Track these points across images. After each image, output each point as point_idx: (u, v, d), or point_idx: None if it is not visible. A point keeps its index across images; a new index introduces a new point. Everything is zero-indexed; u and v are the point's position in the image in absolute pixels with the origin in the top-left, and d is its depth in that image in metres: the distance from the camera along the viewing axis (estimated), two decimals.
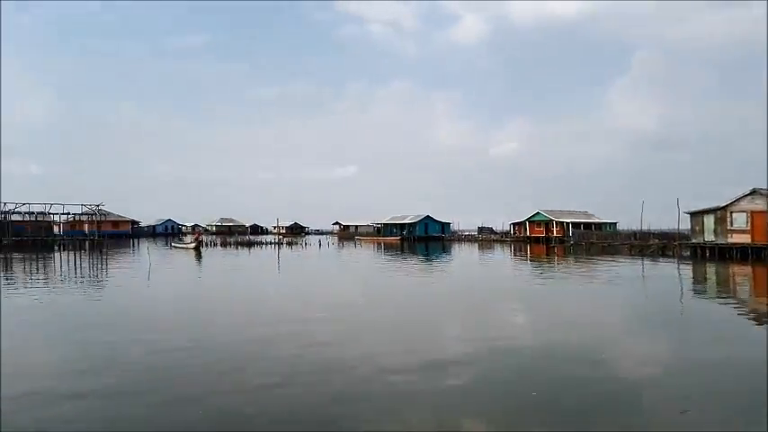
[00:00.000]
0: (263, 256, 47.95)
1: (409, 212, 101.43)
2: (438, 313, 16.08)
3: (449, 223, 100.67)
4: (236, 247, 64.40)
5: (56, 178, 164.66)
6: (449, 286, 24.69)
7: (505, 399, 7.75)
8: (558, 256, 47.16)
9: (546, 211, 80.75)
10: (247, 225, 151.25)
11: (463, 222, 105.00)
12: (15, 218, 68.67)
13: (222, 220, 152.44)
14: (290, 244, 73.26)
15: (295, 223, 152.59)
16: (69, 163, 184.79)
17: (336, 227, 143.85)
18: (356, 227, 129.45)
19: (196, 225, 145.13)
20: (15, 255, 44.93)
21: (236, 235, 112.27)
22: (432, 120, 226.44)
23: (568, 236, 72.02)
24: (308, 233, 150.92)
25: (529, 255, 50.98)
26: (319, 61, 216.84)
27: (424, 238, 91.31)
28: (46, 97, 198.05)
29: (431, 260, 42.80)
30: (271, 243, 73.05)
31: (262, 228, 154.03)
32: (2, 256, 44.00)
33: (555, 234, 75.74)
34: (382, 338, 12.07)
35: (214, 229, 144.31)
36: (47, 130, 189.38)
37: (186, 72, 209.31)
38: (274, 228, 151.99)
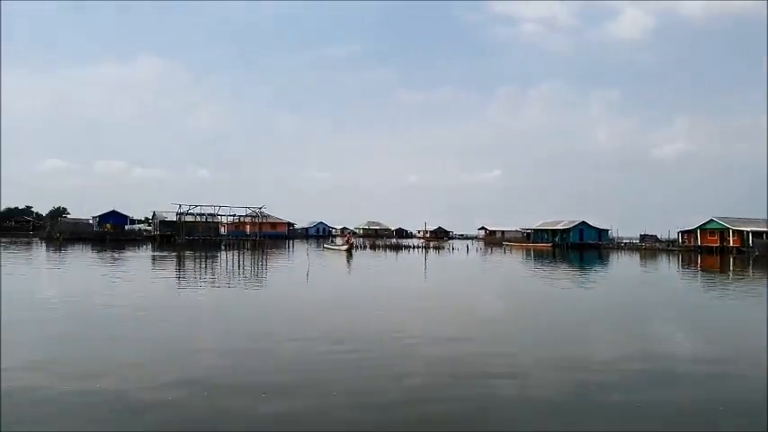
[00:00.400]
0: (411, 260, 47.30)
1: (562, 217, 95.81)
2: (595, 334, 13.67)
3: (606, 230, 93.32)
4: (385, 250, 64.78)
5: (222, 182, 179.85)
6: (617, 301, 21.69)
7: None
8: (739, 268, 41.04)
9: (721, 218, 71.44)
10: (392, 229, 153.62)
11: (622, 229, 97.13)
12: (188, 218, 75.37)
13: (369, 223, 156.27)
14: (437, 248, 72.29)
15: (439, 227, 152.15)
16: (233, 168, 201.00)
17: (482, 232, 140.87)
18: (503, 232, 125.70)
19: (345, 228, 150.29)
20: (188, 252, 48.75)
21: (383, 238, 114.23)
22: (586, 120, 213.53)
23: (748, 246, 63.09)
24: (452, 238, 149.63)
25: (701, 266, 44.96)
26: (468, 64, 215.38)
27: (578, 246, 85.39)
28: (212, 108, 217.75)
29: (587, 269, 39.22)
30: (418, 247, 72.66)
31: (406, 231, 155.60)
32: (176, 253, 47.94)
33: (731, 244, 66.92)
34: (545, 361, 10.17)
35: (361, 232, 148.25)
36: (213, 139, 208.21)
37: (337, 80, 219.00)
38: (419, 231, 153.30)
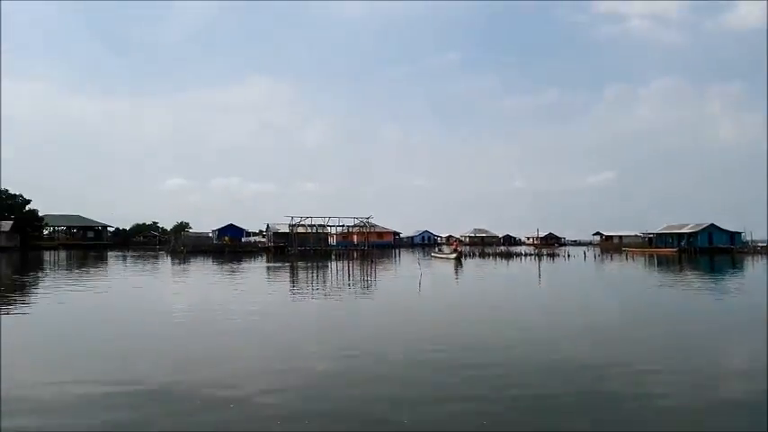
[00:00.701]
0: (525, 268, 45.07)
1: (688, 220, 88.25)
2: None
3: (739, 233, 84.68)
4: (494, 258, 62.69)
5: (329, 194, 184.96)
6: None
7: None
8: None
9: None
10: (500, 236, 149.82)
11: (758, 232, 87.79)
12: (299, 230, 77.56)
13: (475, 230, 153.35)
14: (551, 255, 68.99)
15: (550, 233, 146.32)
16: (340, 180, 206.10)
17: (597, 237, 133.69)
18: (620, 237, 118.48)
19: (450, 236, 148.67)
20: (300, 263, 49.76)
21: (493, 246, 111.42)
22: (706, 117, 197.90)
23: None
24: (563, 244, 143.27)
25: None
26: (573, 65, 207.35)
27: (707, 250, 78.09)
28: (318, 122, 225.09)
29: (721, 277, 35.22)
30: (529, 254, 69.75)
31: (514, 238, 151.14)
32: (289, 264, 49.12)
33: None
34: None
35: (467, 239, 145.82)
36: (319, 152, 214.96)
37: (440, 89, 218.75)
38: (527, 238, 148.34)
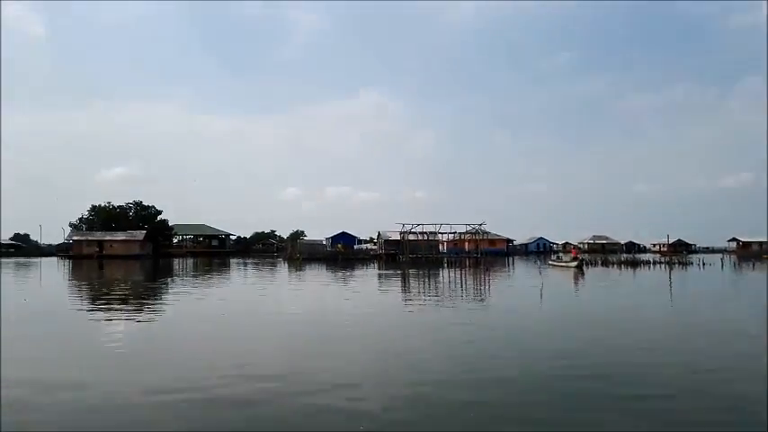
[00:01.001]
0: (659, 278, 40.94)
1: None
2: None
3: None
4: (619, 267, 58.12)
5: (438, 202, 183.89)
6: None
7: None
8: None
9: None
10: (622, 242, 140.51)
11: None
12: (411, 237, 77.04)
13: (594, 237, 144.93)
14: (683, 264, 62.94)
15: (679, 240, 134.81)
16: (450, 187, 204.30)
17: (733, 243, 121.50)
18: (760, 243, 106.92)
19: (567, 243, 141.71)
20: (412, 270, 48.90)
21: (617, 253, 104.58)
22: None
23: None
24: (694, 251, 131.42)
25: None
26: (700, 60, 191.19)
27: None
28: (427, 131, 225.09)
29: None
30: (658, 262, 64.10)
31: (638, 245, 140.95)
32: (401, 271, 48.48)
33: None
34: None
35: (586, 246, 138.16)
36: (429, 160, 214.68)
37: (553, 91, 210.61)
38: (653, 245, 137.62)
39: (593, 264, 63.11)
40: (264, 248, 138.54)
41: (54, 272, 53.37)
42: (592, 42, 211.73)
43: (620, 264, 62.57)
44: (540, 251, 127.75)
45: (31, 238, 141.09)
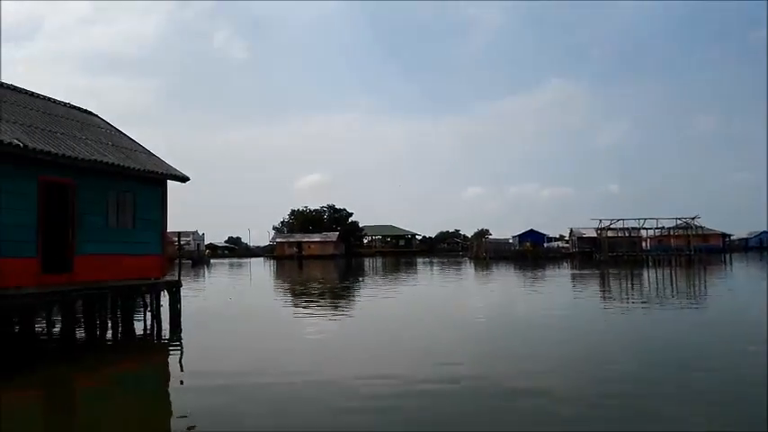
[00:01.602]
0: None
1: None
2: None
3: None
4: None
5: (633, 196, 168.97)
6: None
7: None
8: None
9: None
10: None
11: None
12: (609, 234, 70.92)
13: None
14: None
15: None
16: (646, 179, 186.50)
17: None
18: None
19: None
20: (612, 270, 44.49)
21: None
22: None
23: None
24: None
25: None
26: None
27: None
28: (615, 121, 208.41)
29: None
30: None
31: None
32: (599, 271, 44.47)
33: None
34: None
35: None
36: (620, 152, 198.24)
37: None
38: None
39: None
40: (449, 247, 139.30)
41: (261, 270, 59.08)
42: None
43: None
44: (764, 247, 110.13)
45: (242, 240, 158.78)
